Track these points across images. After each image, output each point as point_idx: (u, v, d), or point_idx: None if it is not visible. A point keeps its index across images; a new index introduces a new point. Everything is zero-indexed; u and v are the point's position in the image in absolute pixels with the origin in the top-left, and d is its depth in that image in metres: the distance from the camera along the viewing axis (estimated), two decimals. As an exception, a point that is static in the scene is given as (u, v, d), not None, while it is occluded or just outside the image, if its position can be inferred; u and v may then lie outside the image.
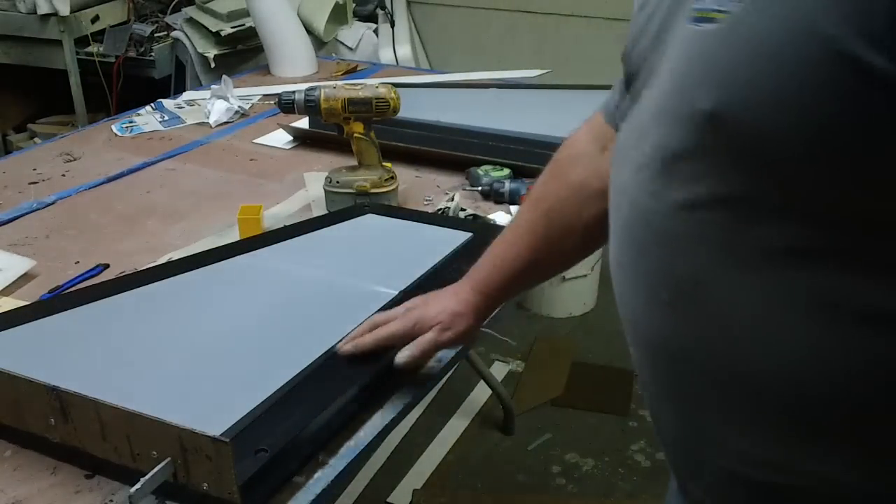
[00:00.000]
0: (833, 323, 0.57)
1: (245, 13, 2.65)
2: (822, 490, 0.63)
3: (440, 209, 1.51)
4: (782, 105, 0.53)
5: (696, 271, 0.62)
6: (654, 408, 0.75)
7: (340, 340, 1.06)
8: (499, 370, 2.65)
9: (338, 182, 1.50)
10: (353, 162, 1.51)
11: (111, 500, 0.88)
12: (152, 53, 2.90)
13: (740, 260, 0.60)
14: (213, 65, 2.73)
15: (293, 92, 1.48)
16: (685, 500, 0.76)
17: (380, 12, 3.22)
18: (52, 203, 1.61)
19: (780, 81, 0.52)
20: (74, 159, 1.84)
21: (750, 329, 0.61)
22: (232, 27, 2.74)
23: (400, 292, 1.18)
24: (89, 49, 2.92)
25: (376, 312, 1.13)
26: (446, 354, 1.12)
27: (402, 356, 0.99)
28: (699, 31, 0.58)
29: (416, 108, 1.71)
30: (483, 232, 1.37)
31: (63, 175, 1.75)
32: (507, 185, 1.54)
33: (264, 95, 2.23)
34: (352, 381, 0.99)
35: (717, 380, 0.64)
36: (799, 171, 0.54)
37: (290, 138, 1.92)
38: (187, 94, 2.29)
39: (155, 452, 0.85)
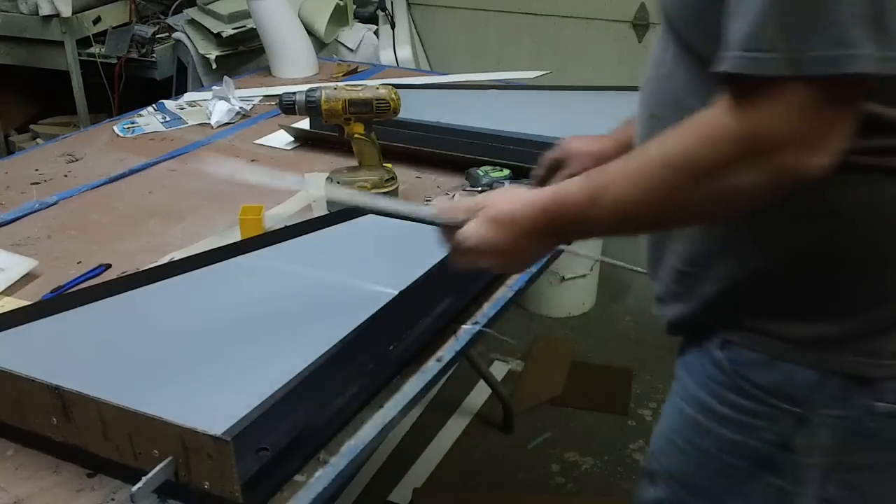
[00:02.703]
0: None
1: (246, 14, 2.66)
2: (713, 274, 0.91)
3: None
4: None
5: (675, 96, 0.88)
6: None
7: (341, 340, 1.06)
8: (498, 370, 2.65)
9: (338, 182, 1.50)
10: (354, 162, 1.52)
11: (113, 499, 0.89)
12: (154, 54, 2.91)
13: (695, 88, 0.85)
14: (214, 66, 2.74)
15: (294, 93, 1.49)
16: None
17: (380, 14, 3.23)
18: (54, 203, 1.62)
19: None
20: (76, 160, 1.85)
21: None
22: (233, 28, 2.74)
23: (400, 292, 1.18)
24: (91, 50, 2.93)
25: (377, 312, 1.14)
26: (447, 354, 1.13)
27: None
28: None
29: (417, 109, 1.72)
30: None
31: (65, 175, 1.76)
32: (507, 186, 1.55)
33: (265, 96, 2.24)
34: (352, 381, 1.00)
35: None
36: (687, 30, 0.86)
37: (291, 139, 1.93)
38: (189, 95, 2.29)
39: (156, 451, 0.85)
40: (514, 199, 0.90)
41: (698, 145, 0.76)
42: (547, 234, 0.89)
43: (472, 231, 0.91)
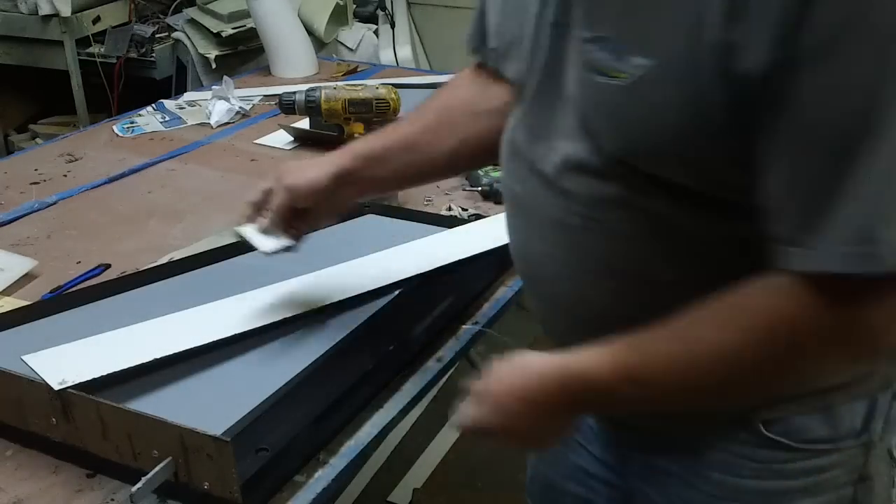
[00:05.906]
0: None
1: (246, 14, 2.65)
2: None
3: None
4: (673, 147, 0.71)
5: (625, 252, 0.79)
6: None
7: (341, 340, 1.06)
8: (499, 370, 2.65)
9: (338, 183, 1.50)
10: (354, 162, 1.51)
11: (112, 500, 0.89)
12: (153, 54, 2.91)
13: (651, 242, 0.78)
14: (214, 65, 2.73)
15: (294, 92, 1.49)
16: None
17: (380, 13, 3.23)
18: (54, 203, 1.61)
19: (673, 131, 0.70)
20: (76, 160, 1.84)
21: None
22: (233, 28, 2.74)
23: (400, 292, 1.18)
24: (91, 50, 2.92)
25: (376, 312, 1.14)
26: (447, 354, 1.13)
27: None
28: (603, 83, 0.72)
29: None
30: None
31: (64, 175, 1.76)
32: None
33: (265, 96, 2.23)
34: (352, 381, 1.00)
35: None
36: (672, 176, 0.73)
37: (291, 139, 1.92)
38: (188, 95, 2.29)
39: (156, 452, 0.85)
40: (523, 375, 0.82)
41: (770, 341, 0.69)
42: (563, 411, 0.81)
43: (473, 413, 0.83)
